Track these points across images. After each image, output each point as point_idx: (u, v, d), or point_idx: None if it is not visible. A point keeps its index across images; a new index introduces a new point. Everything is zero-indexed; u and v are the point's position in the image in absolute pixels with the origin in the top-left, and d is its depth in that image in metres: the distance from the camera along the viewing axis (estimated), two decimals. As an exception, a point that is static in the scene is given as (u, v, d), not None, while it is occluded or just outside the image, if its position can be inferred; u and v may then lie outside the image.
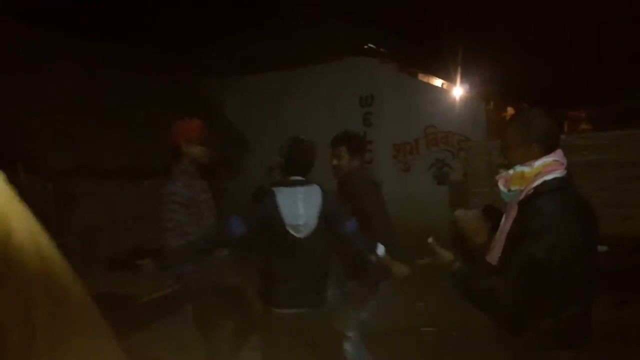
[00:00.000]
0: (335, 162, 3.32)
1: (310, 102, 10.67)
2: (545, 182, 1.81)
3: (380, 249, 2.91)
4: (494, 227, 2.09)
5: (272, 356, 2.81)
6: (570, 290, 1.80)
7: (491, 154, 6.92)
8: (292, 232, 2.65)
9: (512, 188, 1.89)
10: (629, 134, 6.33)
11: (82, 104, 7.86)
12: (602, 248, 2.03)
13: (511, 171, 1.89)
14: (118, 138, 7.90)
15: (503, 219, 1.98)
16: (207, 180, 3.43)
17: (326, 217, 2.75)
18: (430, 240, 2.03)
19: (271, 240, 2.74)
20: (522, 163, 1.86)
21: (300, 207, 2.67)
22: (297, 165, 2.78)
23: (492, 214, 2.27)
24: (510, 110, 15.61)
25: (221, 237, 2.75)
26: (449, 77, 12.52)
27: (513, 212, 1.87)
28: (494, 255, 1.92)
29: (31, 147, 6.73)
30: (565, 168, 1.88)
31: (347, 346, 3.32)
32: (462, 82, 11.91)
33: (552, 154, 1.86)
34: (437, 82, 12.87)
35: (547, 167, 1.83)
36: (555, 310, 1.79)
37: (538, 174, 1.82)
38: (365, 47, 10.53)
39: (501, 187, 1.93)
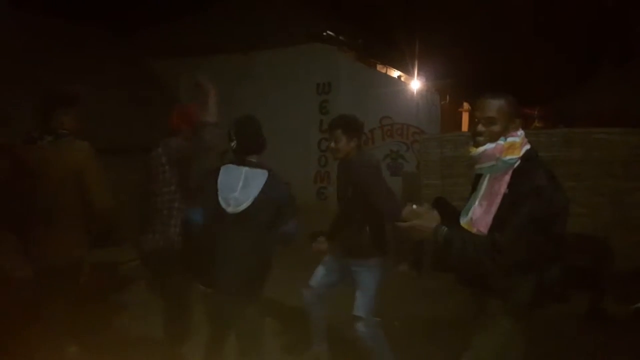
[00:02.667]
0: (332, 144, 3.36)
1: (266, 86, 10.42)
2: (528, 150, 2.06)
3: None
4: (446, 219, 2.13)
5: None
6: (555, 249, 2.02)
7: (444, 147, 6.92)
8: (222, 203, 2.62)
9: (507, 157, 2.04)
10: (577, 132, 6.48)
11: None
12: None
13: (501, 142, 2.06)
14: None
15: (485, 189, 2.11)
16: None
17: (269, 202, 2.68)
18: (414, 206, 2.15)
19: (205, 213, 2.74)
20: (504, 135, 2.06)
21: (239, 182, 2.66)
22: (244, 144, 2.76)
23: (443, 206, 2.34)
24: (466, 106, 15.86)
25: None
26: (406, 70, 12.57)
27: (506, 178, 2.03)
28: (485, 221, 2.04)
29: None
30: None
31: (361, 327, 3.27)
32: (419, 75, 11.96)
33: (521, 129, 2.11)
34: (395, 73, 12.91)
35: (524, 138, 2.10)
36: (540, 270, 2.01)
37: (521, 144, 2.06)
38: (324, 34, 10.37)
39: (497, 155, 2.06)
